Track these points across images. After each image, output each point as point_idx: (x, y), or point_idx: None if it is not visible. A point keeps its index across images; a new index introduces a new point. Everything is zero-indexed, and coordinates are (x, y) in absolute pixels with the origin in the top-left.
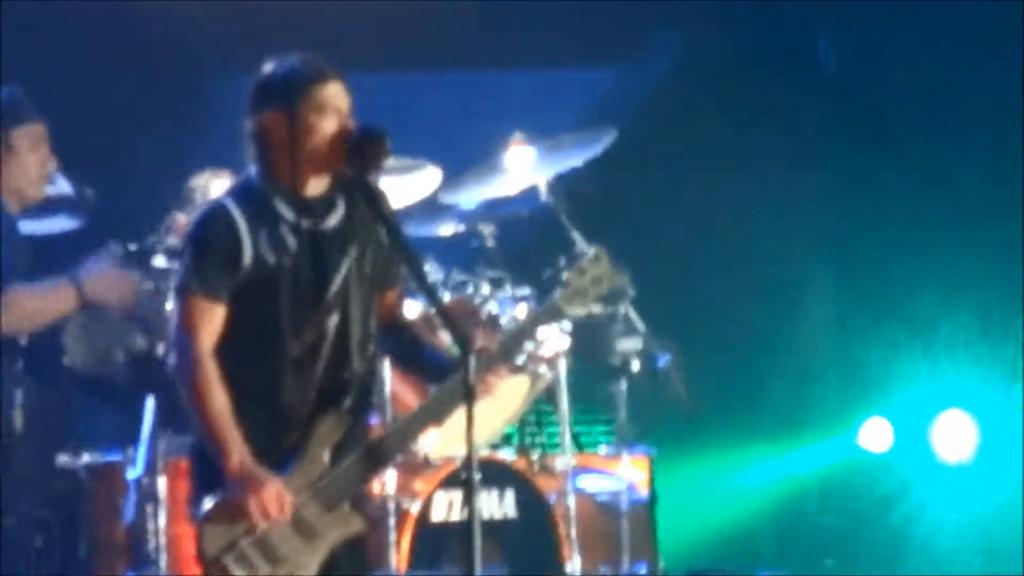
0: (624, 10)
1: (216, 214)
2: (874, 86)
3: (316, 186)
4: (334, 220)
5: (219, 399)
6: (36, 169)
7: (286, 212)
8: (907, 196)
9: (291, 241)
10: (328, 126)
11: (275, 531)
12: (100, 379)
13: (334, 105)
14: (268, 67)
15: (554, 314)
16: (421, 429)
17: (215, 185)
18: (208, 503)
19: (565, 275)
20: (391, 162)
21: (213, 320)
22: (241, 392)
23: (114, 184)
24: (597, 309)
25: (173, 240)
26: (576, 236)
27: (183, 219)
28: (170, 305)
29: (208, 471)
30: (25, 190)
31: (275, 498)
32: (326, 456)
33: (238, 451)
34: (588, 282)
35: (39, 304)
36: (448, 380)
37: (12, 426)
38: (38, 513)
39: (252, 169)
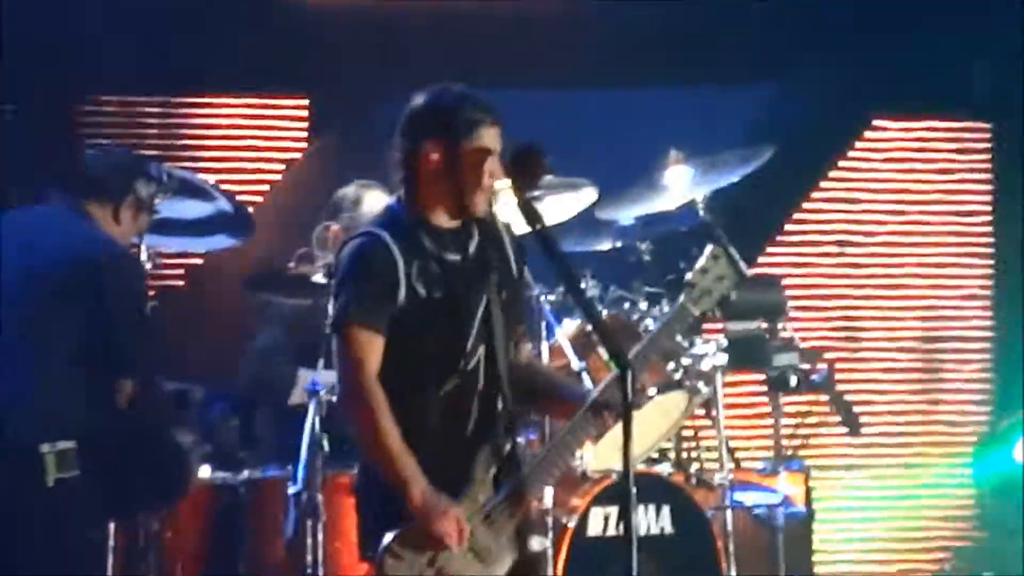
0: (781, 29)
1: (374, 246)
2: None
3: (457, 218)
4: (472, 249)
5: (393, 429)
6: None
7: (431, 245)
8: None
9: (439, 274)
10: (482, 168)
11: (455, 560)
12: None
13: (492, 147)
14: (427, 97)
15: (683, 316)
16: (576, 447)
17: (367, 196)
18: (388, 537)
19: (688, 276)
20: (550, 179)
21: (376, 352)
22: (401, 425)
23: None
24: (748, 325)
25: (322, 249)
26: (733, 252)
27: (335, 228)
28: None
29: (380, 506)
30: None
31: (458, 526)
32: (489, 481)
33: (418, 481)
34: (712, 280)
35: None
36: (595, 396)
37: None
38: None
39: (394, 200)
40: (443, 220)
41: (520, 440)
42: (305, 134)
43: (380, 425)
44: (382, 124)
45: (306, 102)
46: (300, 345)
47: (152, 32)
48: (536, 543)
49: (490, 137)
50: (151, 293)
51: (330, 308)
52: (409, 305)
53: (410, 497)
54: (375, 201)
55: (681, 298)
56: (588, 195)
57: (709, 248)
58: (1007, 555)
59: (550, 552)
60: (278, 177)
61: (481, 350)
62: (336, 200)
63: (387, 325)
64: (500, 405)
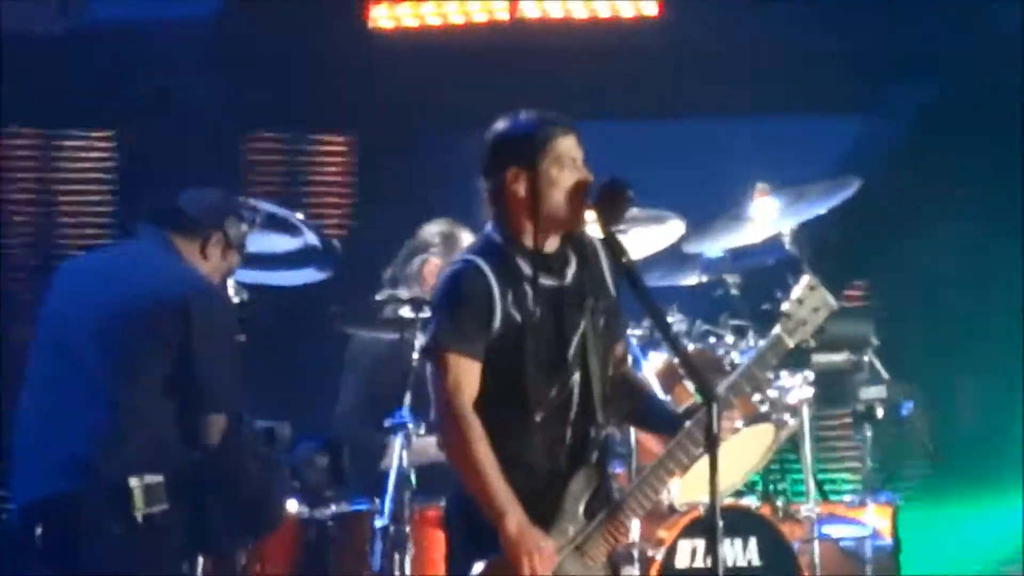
0: (870, 58)
1: (471, 273)
2: None
3: (553, 242)
4: (569, 276)
5: (489, 458)
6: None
7: (528, 270)
8: None
9: (534, 300)
10: (568, 178)
11: None
12: None
13: (572, 156)
14: (502, 125)
15: (778, 347)
16: (666, 478)
17: (459, 233)
18: (478, 567)
19: (784, 307)
20: (636, 212)
21: (472, 377)
22: (495, 452)
23: (357, 235)
24: (835, 358)
25: (417, 290)
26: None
27: (435, 261)
28: (415, 354)
29: (472, 530)
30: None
31: (549, 561)
32: (581, 511)
33: (514, 512)
34: (807, 311)
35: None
36: (685, 426)
37: None
38: None
39: (491, 227)
40: (539, 245)
41: (609, 471)
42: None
43: (477, 454)
44: (467, 155)
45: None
46: (389, 382)
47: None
48: (626, 573)
49: (566, 146)
50: (239, 328)
51: (417, 341)
52: (504, 331)
53: (504, 529)
54: (460, 237)
55: (776, 328)
56: (675, 228)
57: (805, 278)
58: None
59: None
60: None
61: (576, 376)
62: (426, 237)
63: (483, 352)
64: (593, 433)
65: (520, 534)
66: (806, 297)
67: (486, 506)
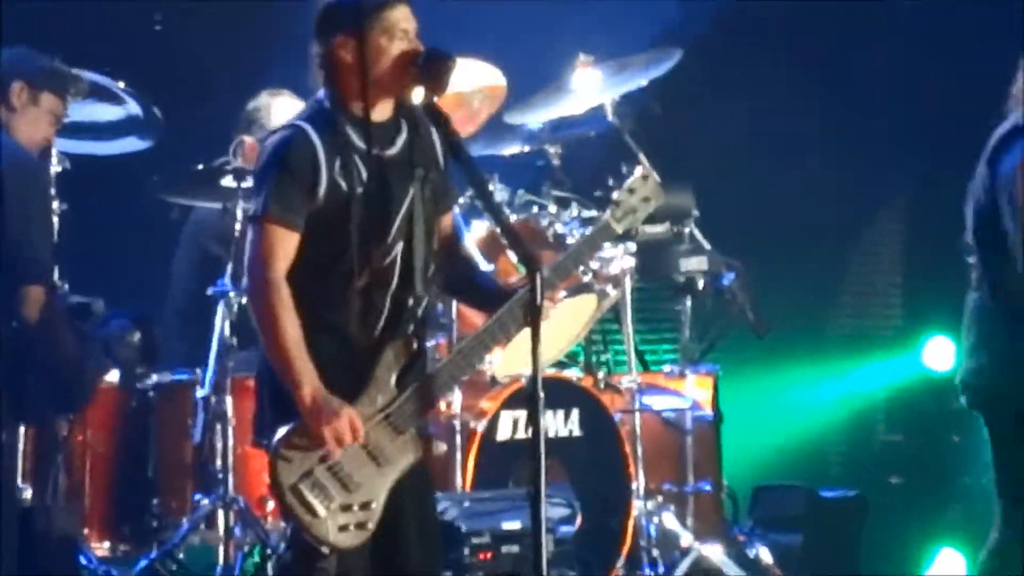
0: None
1: (297, 140)
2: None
3: (382, 112)
4: (399, 146)
5: (293, 327)
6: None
7: (356, 139)
8: (977, 116)
9: (362, 169)
10: (397, 49)
11: (348, 458)
12: None
13: (402, 27)
14: None
15: (605, 234)
16: (484, 351)
17: (276, 104)
18: (281, 432)
19: (614, 195)
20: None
21: (289, 248)
22: (310, 320)
23: (182, 105)
24: (656, 229)
25: (240, 162)
26: (641, 157)
27: (250, 141)
28: (237, 224)
29: (278, 396)
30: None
31: (348, 426)
32: (393, 382)
33: (310, 381)
34: (637, 201)
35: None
36: (508, 302)
37: None
38: None
39: (321, 94)
40: (368, 113)
41: (429, 343)
42: None
43: (281, 322)
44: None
45: None
46: (212, 252)
47: None
48: (435, 448)
49: (397, 16)
50: (56, 198)
51: (239, 211)
52: (330, 199)
53: (300, 398)
54: (285, 107)
55: (606, 215)
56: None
57: (638, 169)
58: (917, 459)
59: (459, 456)
60: None
61: (399, 247)
62: (248, 112)
63: (305, 221)
64: (412, 304)
65: (316, 402)
66: (638, 187)
67: (284, 375)
